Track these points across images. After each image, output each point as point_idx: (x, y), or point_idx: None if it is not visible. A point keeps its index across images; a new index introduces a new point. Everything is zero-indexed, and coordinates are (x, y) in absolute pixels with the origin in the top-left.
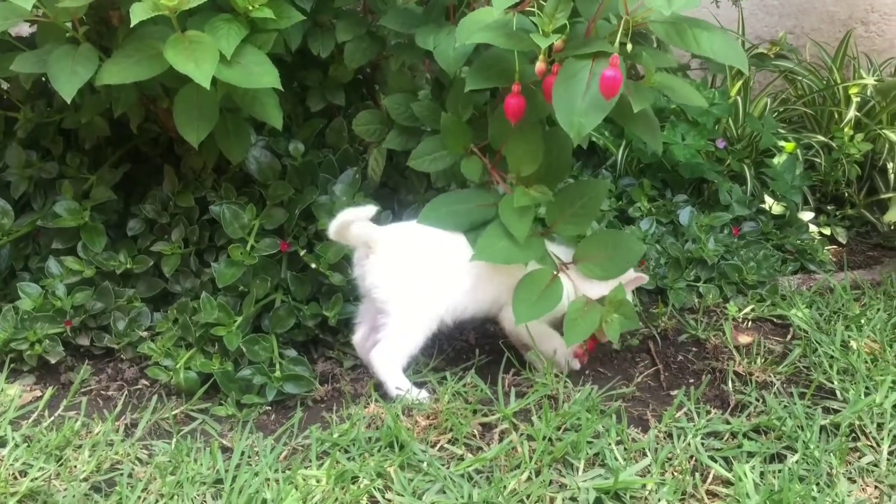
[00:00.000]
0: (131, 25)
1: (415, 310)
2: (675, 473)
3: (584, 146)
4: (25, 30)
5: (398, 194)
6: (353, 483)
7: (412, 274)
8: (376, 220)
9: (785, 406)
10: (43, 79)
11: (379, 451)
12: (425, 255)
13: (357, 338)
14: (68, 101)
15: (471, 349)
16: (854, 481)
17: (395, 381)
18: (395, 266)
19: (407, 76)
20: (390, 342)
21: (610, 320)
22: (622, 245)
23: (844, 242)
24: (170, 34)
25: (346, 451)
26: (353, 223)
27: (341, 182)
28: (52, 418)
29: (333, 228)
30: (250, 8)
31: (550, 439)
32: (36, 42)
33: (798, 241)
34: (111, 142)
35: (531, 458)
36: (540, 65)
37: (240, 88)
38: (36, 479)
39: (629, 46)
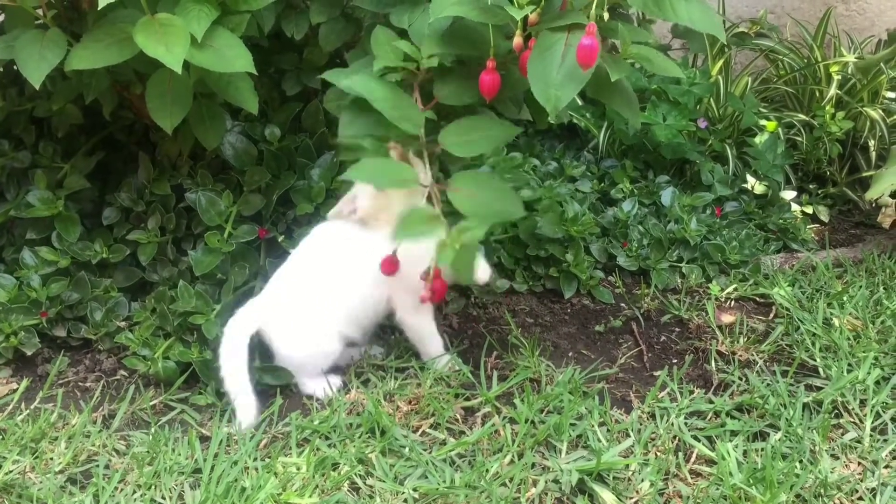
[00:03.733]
0: (99, 8)
1: (305, 337)
2: (659, 453)
3: (564, 122)
4: None
5: None
6: (334, 469)
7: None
8: None
9: (768, 384)
10: (14, 67)
11: (360, 437)
12: (293, 287)
13: None
14: (37, 87)
15: (454, 333)
16: (837, 458)
17: (321, 388)
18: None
19: None
20: (302, 377)
21: (452, 245)
22: (497, 193)
23: (827, 221)
24: (140, 18)
25: (327, 438)
26: None
27: (319, 166)
28: (28, 411)
29: None
30: None
31: (533, 422)
32: (4, 28)
33: (780, 220)
34: (85, 130)
35: (514, 441)
36: (517, 40)
37: (213, 73)
38: (10, 472)
39: (605, 16)
